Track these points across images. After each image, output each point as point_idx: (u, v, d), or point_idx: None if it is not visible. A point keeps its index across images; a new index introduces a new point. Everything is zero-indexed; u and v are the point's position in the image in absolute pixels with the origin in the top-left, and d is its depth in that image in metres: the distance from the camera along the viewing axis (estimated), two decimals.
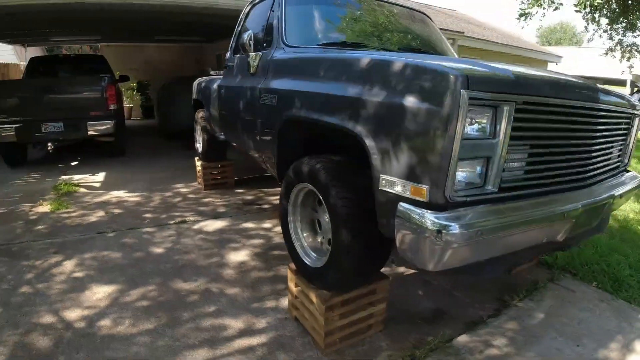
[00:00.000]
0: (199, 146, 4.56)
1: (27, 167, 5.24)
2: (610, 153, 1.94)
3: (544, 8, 5.31)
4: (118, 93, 5.58)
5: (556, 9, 5.58)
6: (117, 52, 10.41)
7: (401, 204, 1.28)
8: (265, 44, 2.55)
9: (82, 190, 4.33)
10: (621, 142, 2.07)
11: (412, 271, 2.72)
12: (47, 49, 11.29)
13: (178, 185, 4.62)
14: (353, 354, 1.86)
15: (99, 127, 5.09)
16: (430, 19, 3.23)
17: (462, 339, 1.98)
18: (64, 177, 4.71)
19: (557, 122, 1.45)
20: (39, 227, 3.24)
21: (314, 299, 1.81)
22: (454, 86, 1.15)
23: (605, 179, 1.91)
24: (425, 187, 1.22)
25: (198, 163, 4.52)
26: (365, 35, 2.50)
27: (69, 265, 2.64)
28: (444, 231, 1.16)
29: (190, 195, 4.27)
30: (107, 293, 2.32)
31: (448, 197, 1.22)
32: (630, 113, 2.04)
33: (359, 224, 1.52)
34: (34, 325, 1.99)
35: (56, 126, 4.76)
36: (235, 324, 2.08)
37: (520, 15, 5.26)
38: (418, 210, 1.22)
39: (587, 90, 1.60)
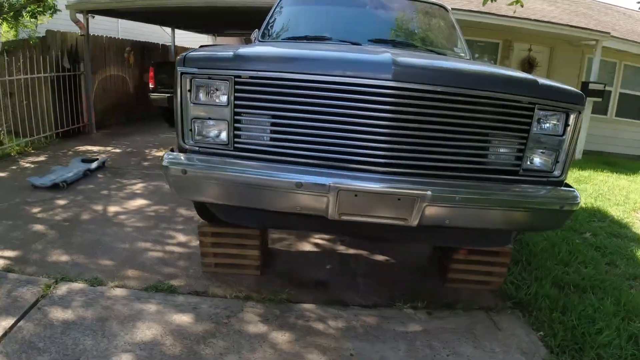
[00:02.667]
0: None
1: None
2: (464, 146, 1.73)
3: None
4: None
5: None
6: None
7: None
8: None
9: None
10: (516, 140, 1.77)
11: (351, 252, 2.98)
12: (244, 40, 14.70)
13: None
14: (220, 277, 2.47)
15: None
16: (448, 11, 3.21)
17: (308, 306, 2.24)
18: None
19: (306, 97, 1.64)
20: (145, 163, 5.00)
21: None
22: (177, 65, 1.70)
23: (457, 176, 1.76)
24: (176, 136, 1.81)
25: None
26: (332, 30, 2.88)
27: (138, 185, 4.14)
28: (168, 166, 1.73)
29: None
30: (140, 204, 3.64)
31: (183, 145, 1.76)
32: (532, 103, 1.71)
33: None
34: (88, 208, 3.46)
35: None
36: (180, 238, 3.00)
37: None
38: (167, 152, 1.81)
39: (363, 65, 1.65)
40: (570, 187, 1.91)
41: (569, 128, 1.78)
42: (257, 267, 2.52)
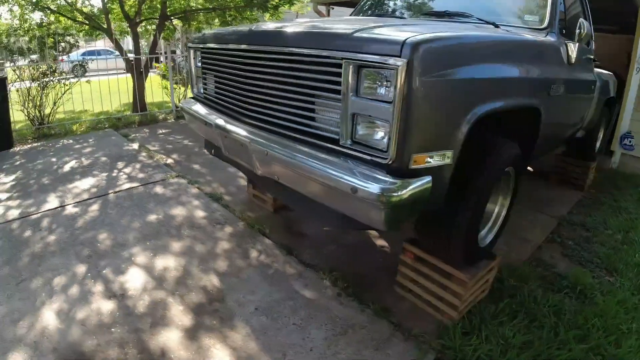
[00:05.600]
0: None
1: None
2: (285, 104, 1.81)
3: None
4: None
5: None
6: None
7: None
8: None
9: None
10: (331, 103, 1.62)
11: (380, 241, 3.09)
12: None
13: None
14: (252, 204, 3.33)
15: None
16: None
17: (266, 240, 2.76)
18: None
19: (221, 61, 2.24)
20: None
21: None
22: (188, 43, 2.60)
23: (298, 139, 1.80)
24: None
25: None
26: (398, 6, 3.01)
27: None
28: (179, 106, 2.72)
29: None
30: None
31: (195, 95, 2.70)
32: (341, 58, 1.50)
33: None
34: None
35: None
36: None
37: None
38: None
39: (246, 35, 2.01)
40: (414, 177, 1.47)
41: (396, 91, 1.38)
42: (271, 205, 3.21)
